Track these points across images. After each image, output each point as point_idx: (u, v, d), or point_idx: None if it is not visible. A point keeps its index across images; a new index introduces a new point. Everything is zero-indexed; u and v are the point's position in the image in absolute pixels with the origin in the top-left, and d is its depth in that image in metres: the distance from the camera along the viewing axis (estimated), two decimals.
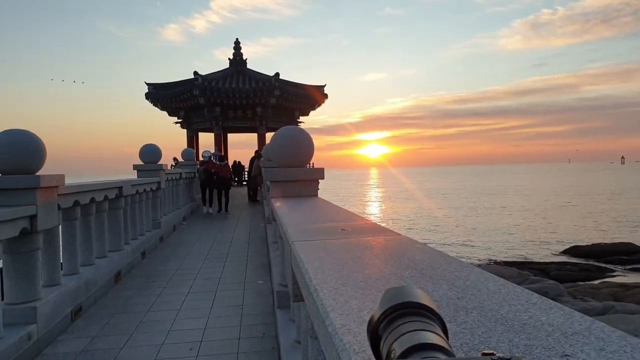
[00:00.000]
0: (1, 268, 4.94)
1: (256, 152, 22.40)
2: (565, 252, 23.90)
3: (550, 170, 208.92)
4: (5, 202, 4.85)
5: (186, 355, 4.72)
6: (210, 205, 16.95)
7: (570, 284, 16.53)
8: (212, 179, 16.80)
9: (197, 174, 17.47)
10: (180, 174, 15.39)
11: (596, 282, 17.12)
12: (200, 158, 22.67)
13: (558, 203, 50.27)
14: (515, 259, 22.08)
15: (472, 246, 26.45)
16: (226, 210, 16.92)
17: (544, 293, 13.60)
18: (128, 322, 5.78)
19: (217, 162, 17.35)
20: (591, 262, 20.99)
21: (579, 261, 21.31)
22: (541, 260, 21.63)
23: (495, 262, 20.80)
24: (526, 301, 1.38)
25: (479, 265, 19.77)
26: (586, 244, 24.83)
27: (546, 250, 24.91)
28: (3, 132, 4.97)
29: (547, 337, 1.08)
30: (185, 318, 5.90)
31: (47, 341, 5.05)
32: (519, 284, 14.88)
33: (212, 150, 20.16)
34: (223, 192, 16.99)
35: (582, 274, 18.55)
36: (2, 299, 4.77)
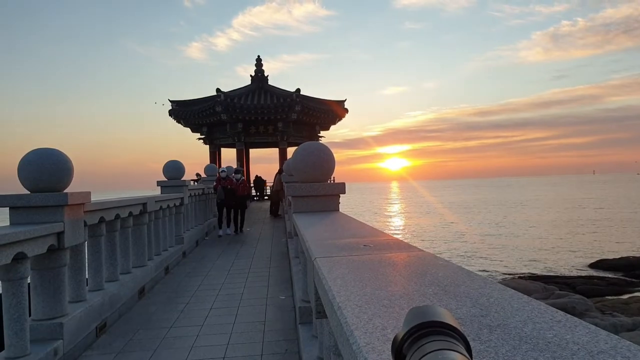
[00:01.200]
0: (29, 284, 5.02)
1: (280, 168, 22.56)
2: (592, 266, 23.32)
3: (574, 182, 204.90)
4: (34, 220, 4.96)
5: None
6: (228, 226, 15.75)
7: (597, 298, 16.09)
8: (232, 198, 15.41)
9: (215, 192, 15.98)
10: (203, 189, 15.56)
11: (625, 296, 16.63)
12: (202, 174, 21.61)
13: (584, 215, 49.21)
14: (540, 273, 21.63)
15: (497, 260, 26.01)
16: (241, 230, 15.83)
17: (571, 308, 13.26)
18: (152, 338, 5.82)
19: (234, 178, 15.87)
20: (619, 276, 20.43)
21: (606, 275, 20.77)
22: (567, 274, 21.14)
23: (520, 277, 20.40)
24: (551, 319, 1.36)
25: (504, 280, 19.42)
26: (614, 257, 24.19)
27: (572, 263, 24.35)
28: (32, 151, 5.10)
29: (572, 356, 1.07)
30: (208, 334, 5.91)
31: (72, 357, 5.11)
32: (544, 298, 14.60)
33: (235, 166, 20.13)
34: (239, 211, 15.79)
35: (610, 288, 18.05)
36: (30, 315, 4.85)
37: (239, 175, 15.93)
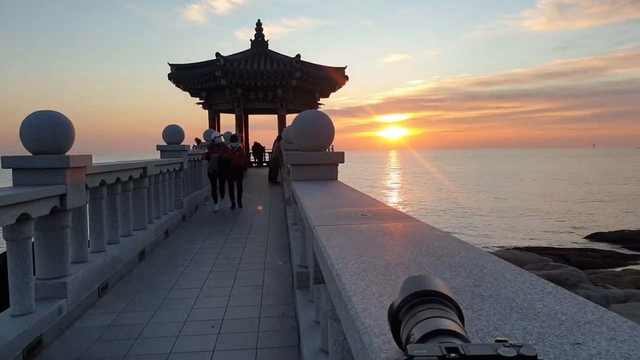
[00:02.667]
0: (33, 244, 5.12)
1: (279, 135, 22.53)
2: (587, 238, 23.61)
3: (573, 155, 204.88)
4: (36, 181, 5.02)
5: (208, 332, 4.87)
6: (222, 197, 13.86)
7: (591, 270, 16.35)
8: (227, 168, 13.40)
9: (206, 162, 14.06)
10: (203, 154, 15.58)
11: (618, 269, 16.91)
12: (202, 139, 20.31)
13: (581, 188, 49.47)
14: (535, 245, 21.91)
15: (493, 231, 26.30)
16: (239, 204, 13.87)
17: (564, 279, 13.51)
18: (152, 299, 5.97)
19: (229, 145, 13.80)
20: (614, 249, 20.71)
21: (601, 248, 21.04)
22: (562, 246, 21.41)
23: (515, 248, 20.67)
24: (541, 290, 1.41)
25: (499, 251, 19.69)
26: (609, 230, 24.47)
27: (567, 236, 24.64)
28: (33, 113, 5.12)
29: (559, 325, 1.12)
30: (207, 296, 6.07)
31: (76, 315, 5.26)
32: (538, 269, 14.85)
33: (234, 132, 19.91)
34: (235, 183, 13.81)
35: (604, 260, 18.32)
36: (34, 275, 4.97)
37: (235, 144, 13.88)
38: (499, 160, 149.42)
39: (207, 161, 13.82)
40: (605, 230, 24.44)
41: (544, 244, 22.35)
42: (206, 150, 14.11)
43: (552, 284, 1.47)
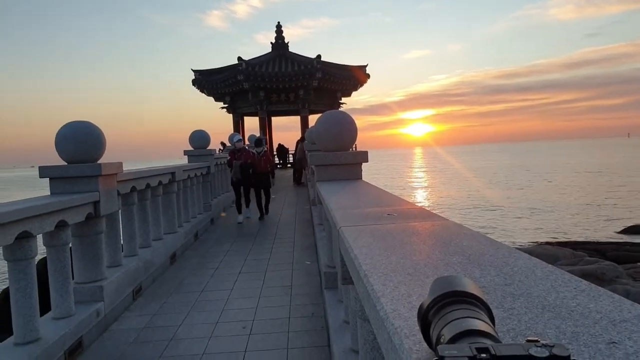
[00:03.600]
0: (71, 250, 5.31)
1: (302, 136, 22.66)
2: (624, 232, 22.95)
3: (606, 145, 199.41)
4: (72, 190, 5.21)
5: (239, 333, 4.97)
6: (247, 206, 12.52)
7: (629, 265, 15.84)
8: (250, 176, 12.08)
9: (229, 169, 12.82)
10: (225, 160, 15.75)
11: None
12: (227, 143, 19.01)
13: (615, 180, 48.20)
14: (569, 239, 21.42)
15: (524, 226, 25.84)
16: (266, 212, 12.60)
17: (600, 274, 13.17)
18: (184, 301, 6.10)
19: (254, 151, 12.37)
20: None
21: (639, 240, 20.42)
22: (597, 240, 20.86)
23: (548, 243, 20.26)
24: (574, 288, 1.39)
25: (532, 246, 19.35)
26: None
27: (603, 229, 24.00)
28: (67, 124, 5.31)
29: (594, 324, 1.10)
30: (237, 298, 6.18)
31: (113, 318, 5.43)
32: (573, 265, 14.51)
33: (258, 134, 19.94)
34: (262, 191, 12.47)
35: None
36: (73, 279, 5.15)
37: (260, 149, 12.30)
38: (526, 153, 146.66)
39: (230, 169, 12.52)
40: None
41: (578, 238, 21.84)
42: (228, 157, 12.83)
43: (585, 282, 1.44)
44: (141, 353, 4.59)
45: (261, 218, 12.32)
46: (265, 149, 13.04)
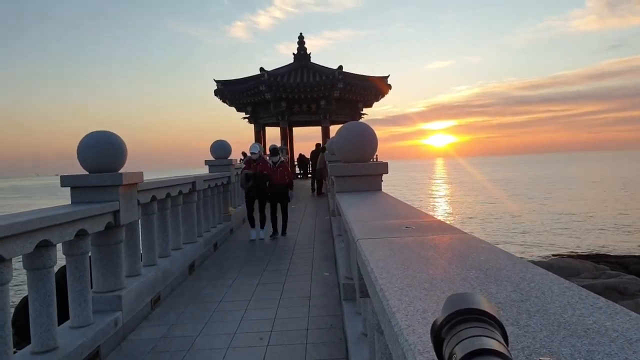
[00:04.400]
0: (90, 259, 5.36)
1: (317, 145, 22.57)
2: None
3: (630, 158, 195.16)
4: (92, 199, 5.27)
5: (257, 344, 4.93)
6: (262, 227, 11.29)
7: None
8: (263, 186, 11.05)
9: (241, 179, 11.51)
10: (239, 172, 15.79)
11: None
12: (248, 153, 14.35)
13: (636, 194, 47.03)
14: (591, 252, 20.97)
15: (546, 238, 25.37)
16: (283, 232, 11.39)
17: (622, 288, 12.83)
18: (203, 311, 6.10)
19: (270, 162, 11.36)
20: None
21: None
22: (620, 254, 20.39)
23: (570, 256, 19.84)
24: (591, 305, 1.37)
25: (552, 259, 18.96)
26: None
27: (626, 243, 23.45)
28: (89, 134, 5.39)
29: (610, 342, 1.08)
30: (255, 308, 6.15)
31: (131, 327, 5.45)
32: (594, 278, 14.18)
33: (279, 144, 19.91)
34: (279, 205, 11.37)
35: None
36: (92, 288, 5.19)
37: (276, 158, 11.29)
38: (549, 165, 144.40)
39: (244, 179, 11.30)
40: None
41: (600, 251, 21.36)
42: (242, 168, 11.66)
43: (602, 299, 1.42)
44: None
45: (273, 236, 11.09)
46: (283, 159, 11.97)
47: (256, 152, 11.13)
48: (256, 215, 11.33)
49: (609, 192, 48.89)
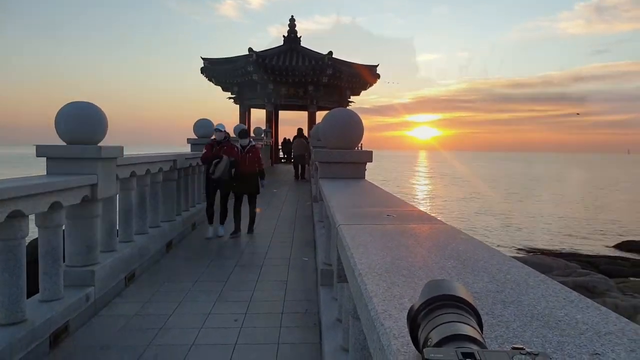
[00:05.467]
0: (64, 232, 5.25)
1: (299, 130, 22.17)
2: (617, 247, 22.96)
3: (606, 160, 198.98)
4: (69, 171, 5.14)
5: (231, 325, 4.91)
6: (222, 223, 9.43)
7: (620, 279, 15.90)
8: (233, 177, 9.19)
9: (204, 165, 9.53)
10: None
11: None
12: (232, 134, 12.51)
13: (613, 195, 48.06)
14: (563, 250, 21.42)
15: (521, 235, 25.80)
16: (250, 230, 9.53)
17: (591, 287, 13.15)
18: (177, 291, 6.04)
19: (239, 145, 9.54)
20: None
21: (632, 256, 20.45)
22: (591, 253, 20.88)
23: (543, 253, 20.24)
24: (564, 298, 1.40)
25: (526, 256, 19.32)
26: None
27: (597, 243, 24.00)
28: (69, 104, 5.24)
29: (580, 335, 1.11)
30: (231, 290, 6.11)
31: (103, 303, 5.37)
32: (565, 276, 14.47)
33: (264, 127, 19.71)
34: (247, 198, 9.59)
35: (634, 269, 17.80)
36: (64, 262, 5.09)
37: (245, 141, 9.63)
38: (530, 164, 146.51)
39: (203, 164, 9.57)
40: (636, 239, 23.71)
41: (571, 250, 21.84)
42: (203, 151, 9.36)
43: (575, 293, 1.46)
44: (129, 340, 4.52)
45: (234, 234, 9.22)
46: (254, 143, 10.12)
47: (222, 130, 9.34)
48: (218, 209, 9.54)
49: (586, 193, 49.82)
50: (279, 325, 4.96)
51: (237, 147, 9.47)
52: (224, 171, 8.96)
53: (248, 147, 9.57)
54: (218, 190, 9.38)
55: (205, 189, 9.67)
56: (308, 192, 15.95)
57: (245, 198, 9.62)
